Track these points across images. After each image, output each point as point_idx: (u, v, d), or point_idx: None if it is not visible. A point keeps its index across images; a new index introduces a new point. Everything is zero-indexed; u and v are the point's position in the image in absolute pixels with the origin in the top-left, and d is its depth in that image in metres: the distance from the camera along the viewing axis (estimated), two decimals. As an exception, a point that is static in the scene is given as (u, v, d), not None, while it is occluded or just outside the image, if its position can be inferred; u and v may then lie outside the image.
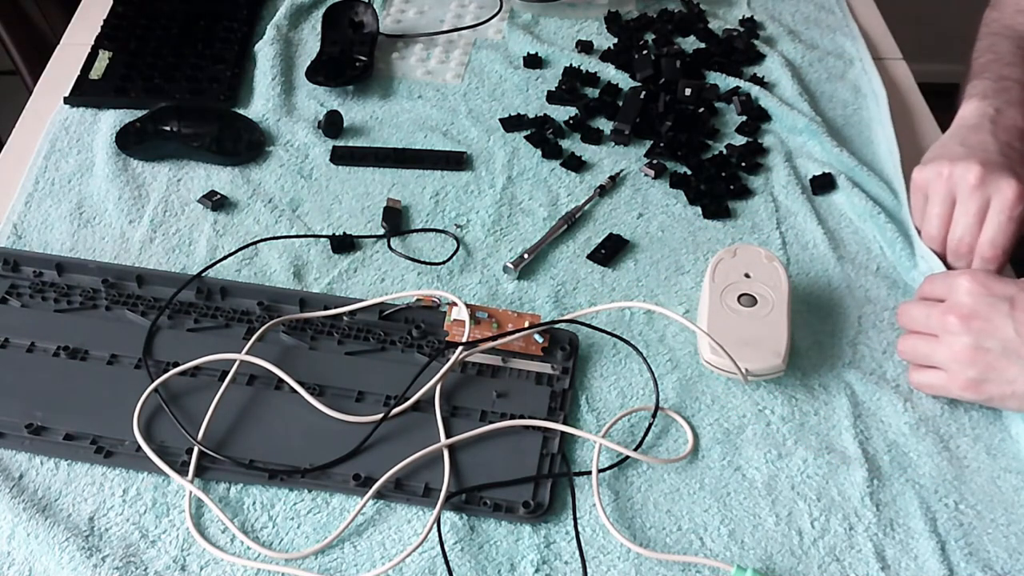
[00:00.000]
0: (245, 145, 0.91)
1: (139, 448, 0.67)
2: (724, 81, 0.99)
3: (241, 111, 0.95)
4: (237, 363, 0.71)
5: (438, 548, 0.63)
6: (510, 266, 0.81)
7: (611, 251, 0.83)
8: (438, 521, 0.64)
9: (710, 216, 0.87)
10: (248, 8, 1.07)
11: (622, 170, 0.91)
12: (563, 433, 0.69)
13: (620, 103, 0.97)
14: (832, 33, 1.08)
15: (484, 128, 0.95)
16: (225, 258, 0.81)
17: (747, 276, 0.76)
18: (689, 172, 0.90)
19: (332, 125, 0.93)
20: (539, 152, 0.92)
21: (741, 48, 1.04)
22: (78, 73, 0.98)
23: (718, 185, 0.89)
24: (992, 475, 0.69)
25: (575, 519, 0.65)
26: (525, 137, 0.94)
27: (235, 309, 0.77)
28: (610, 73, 1.00)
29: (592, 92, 0.99)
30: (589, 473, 0.67)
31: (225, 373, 0.71)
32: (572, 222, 0.85)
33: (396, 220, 0.85)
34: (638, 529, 0.65)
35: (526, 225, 0.85)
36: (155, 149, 0.90)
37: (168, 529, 0.64)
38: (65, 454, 0.67)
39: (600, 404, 0.72)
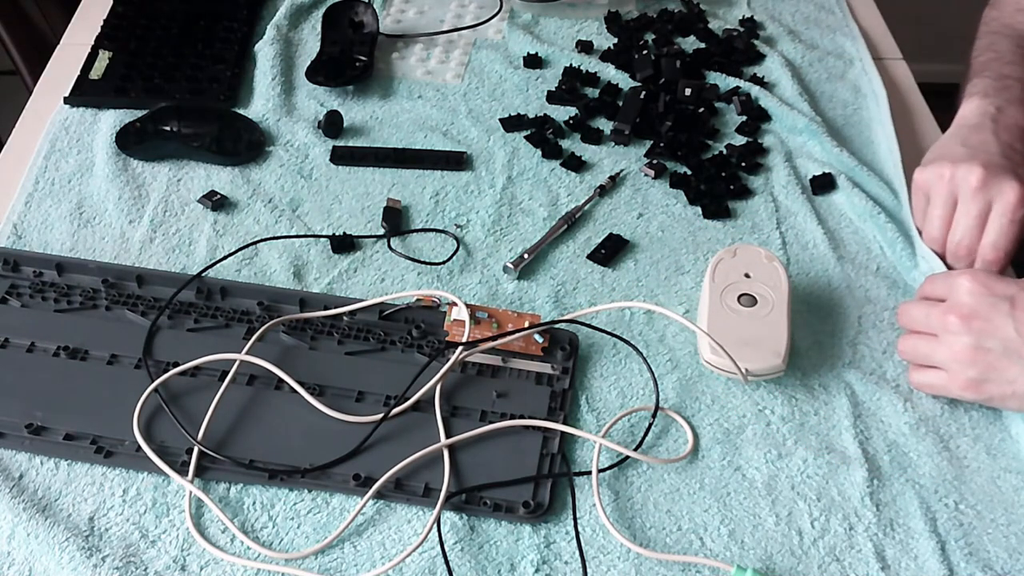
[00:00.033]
0: (245, 145, 0.91)
1: (139, 448, 0.67)
2: (724, 81, 0.99)
3: (241, 111, 0.95)
4: (237, 363, 0.71)
5: (438, 548, 0.63)
6: (510, 266, 0.81)
7: (611, 251, 0.83)
8: (438, 521, 0.64)
9: (710, 216, 0.87)
10: (248, 8, 1.07)
11: (622, 170, 0.91)
12: (563, 433, 0.69)
13: (620, 103, 0.97)
14: (832, 33, 1.08)
15: (484, 128, 0.95)
16: (225, 258, 0.81)
17: (747, 276, 0.76)
18: (689, 172, 0.90)
19: (332, 125, 0.93)
20: (539, 152, 0.92)
21: (741, 48, 1.04)
22: (78, 73, 0.98)
23: (718, 185, 0.89)
24: (992, 475, 0.69)
25: (575, 519, 0.65)
26: (525, 137, 0.94)
27: (235, 309, 0.76)
28: (610, 73, 1.00)
29: (592, 92, 0.99)
30: (589, 473, 0.67)
31: (225, 373, 0.71)
32: (572, 222, 0.85)
33: (396, 220, 0.85)
34: (638, 529, 0.65)
35: (526, 225, 0.85)
36: (155, 149, 0.90)
37: (168, 529, 0.64)
38: (65, 454, 0.67)
39: (600, 404, 0.72)
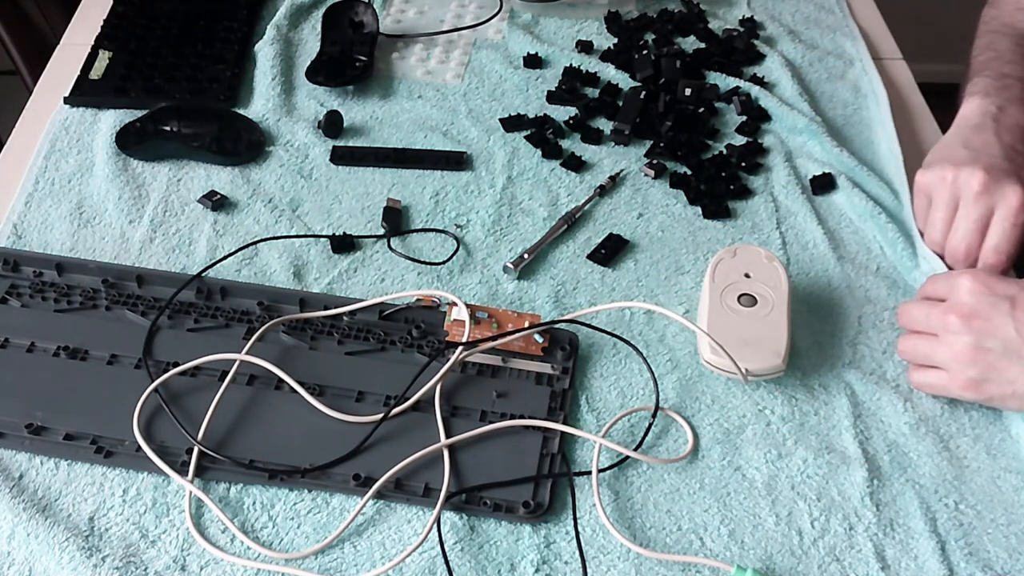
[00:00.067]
0: (245, 145, 0.91)
1: (139, 448, 0.67)
2: (724, 81, 0.99)
3: (241, 111, 0.95)
4: (237, 363, 0.71)
5: (438, 548, 0.63)
6: (510, 266, 0.81)
7: (611, 251, 0.83)
8: (438, 521, 0.64)
9: (710, 216, 0.87)
10: (248, 8, 1.07)
11: (622, 170, 0.91)
12: (563, 433, 0.69)
13: (620, 103, 0.97)
14: (832, 33, 1.08)
15: (484, 128, 0.95)
16: (225, 258, 0.81)
17: (747, 276, 0.76)
18: (689, 172, 0.90)
19: (332, 125, 0.93)
20: (539, 152, 0.92)
21: (741, 48, 1.04)
22: (78, 73, 0.98)
23: (718, 185, 0.89)
24: (992, 475, 0.69)
25: (575, 519, 0.65)
26: (525, 137, 0.94)
27: (235, 309, 0.76)
28: (610, 73, 1.00)
29: (592, 92, 0.99)
30: (589, 473, 0.67)
31: (225, 373, 0.71)
32: (572, 222, 0.85)
33: (396, 220, 0.85)
34: (638, 529, 0.65)
35: (526, 225, 0.85)
36: (155, 149, 0.90)
37: (168, 529, 0.64)
38: (65, 454, 0.67)
39: (600, 404, 0.72)
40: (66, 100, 0.95)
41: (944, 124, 0.86)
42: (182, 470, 0.66)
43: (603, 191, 0.88)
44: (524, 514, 0.65)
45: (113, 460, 0.67)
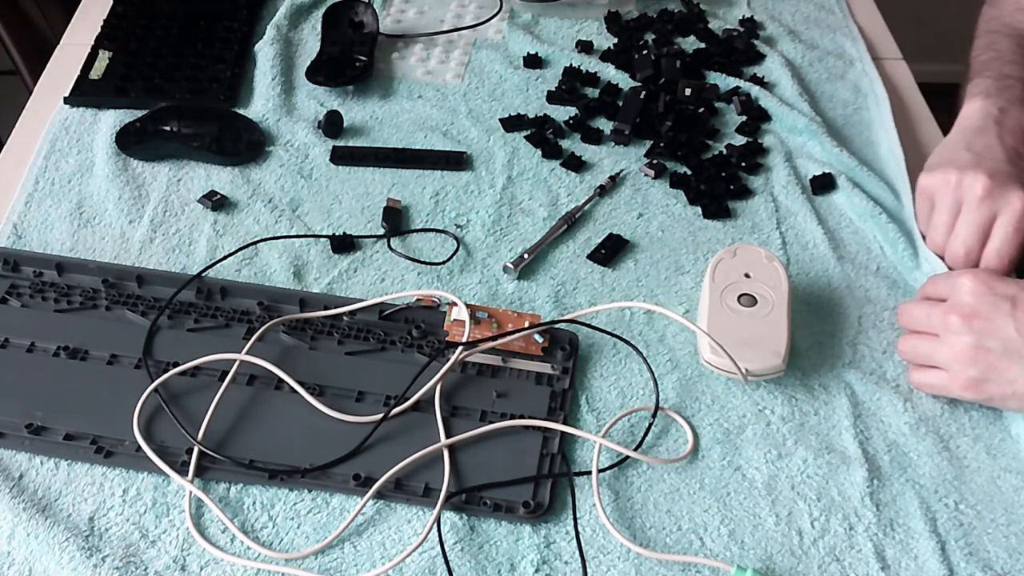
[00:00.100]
0: (245, 145, 0.91)
1: (139, 448, 0.67)
2: (724, 81, 0.99)
3: (241, 111, 0.95)
4: (237, 363, 0.71)
5: (438, 548, 0.63)
6: (510, 266, 0.81)
7: (611, 251, 0.83)
8: (438, 521, 0.64)
9: (710, 216, 0.87)
10: (248, 8, 1.07)
11: (622, 170, 0.91)
12: (563, 433, 0.69)
13: (620, 103, 0.97)
14: (832, 33, 1.08)
15: (484, 128, 0.95)
16: (225, 258, 0.81)
17: (747, 276, 0.76)
18: (689, 172, 0.90)
19: (332, 125, 0.93)
20: (539, 152, 0.92)
21: (741, 48, 1.04)
22: (78, 73, 0.98)
23: (718, 185, 0.89)
24: (992, 475, 0.69)
25: (575, 519, 0.65)
26: (525, 137, 0.94)
27: (235, 309, 0.76)
28: (610, 73, 1.00)
29: (592, 92, 0.99)
30: (589, 473, 0.67)
31: (225, 373, 0.71)
32: (572, 222, 0.85)
33: (396, 220, 0.85)
34: (638, 529, 0.65)
35: (526, 225, 0.85)
36: (155, 149, 0.90)
37: (168, 529, 0.64)
38: (65, 454, 0.67)
39: (600, 404, 0.72)
40: (66, 100, 0.95)
41: (944, 124, 0.86)
42: (182, 470, 0.66)
43: (603, 191, 0.88)
44: (524, 514, 0.65)
45: (113, 460, 0.67)
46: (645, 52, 1.01)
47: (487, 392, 0.72)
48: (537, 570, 0.63)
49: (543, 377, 0.73)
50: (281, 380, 0.71)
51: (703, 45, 1.05)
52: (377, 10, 1.06)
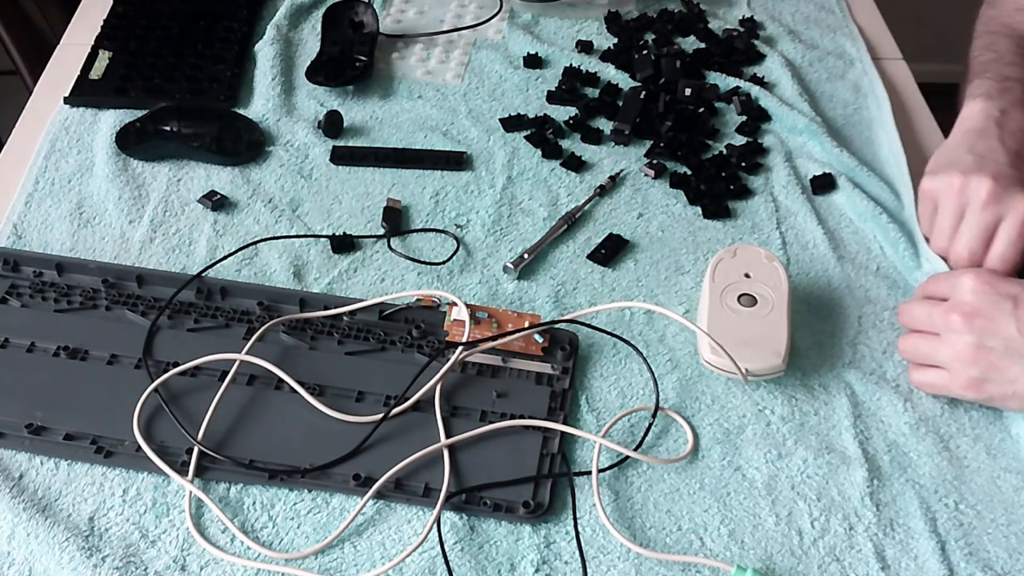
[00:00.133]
0: (245, 145, 0.91)
1: (139, 448, 0.67)
2: (724, 81, 0.99)
3: (241, 111, 0.95)
4: (237, 363, 0.71)
5: (438, 548, 0.63)
6: (510, 266, 0.81)
7: (611, 251, 0.83)
8: (438, 521, 0.64)
9: (710, 216, 0.87)
10: (248, 8, 1.07)
11: (622, 170, 0.91)
12: (563, 433, 0.69)
13: (620, 103, 0.97)
14: (832, 33, 1.08)
15: (484, 128, 0.95)
16: (225, 258, 0.81)
17: (747, 276, 0.76)
18: (689, 172, 0.90)
19: (332, 125, 0.93)
20: (539, 152, 0.92)
21: (741, 48, 1.04)
22: (78, 73, 0.98)
23: (718, 185, 0.89)
24: (992, 475, 0.69)
25: (575, 519, 0.65)
26: (525, 137, 0.94)
27: (235, 309, 0.76)
28: (610, 73, 1.00)
29: (592, 92, 0.99)
30: (589, 473, 0.67)
31: (225, 373, 0.71)
32: (572, 222, 0.85)
33: (396, 220, 0.85)
34: (638, 529, 0.65)
35: (526, 225, 0.85)
36: (155, 149, 0.90)
37: (168, 529, 0.64)
38: (65, 454, 0.67)
39: (600, 404, 0.72)
40: (66, 100, 0.95)
41: (944, 124, 0.86)
42: (182, 470, 0.66)
43: (603, 191, 0.88)
44: (524, 514, 0.65)
45: (113, 460, 0.67)
46: (645, 52, 1.01)
47: (487, 392, 0.72)
48: (537, 570, 0.63)
49: (543, 377, 0.73)
50: (281, 380, 0.71)
51: (703, 45, 1.05)
52: (377, 10, 1.06)
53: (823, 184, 0.89)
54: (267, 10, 1.08)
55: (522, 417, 0.70)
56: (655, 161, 0.91)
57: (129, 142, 0.90)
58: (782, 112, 0.95)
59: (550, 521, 0.65)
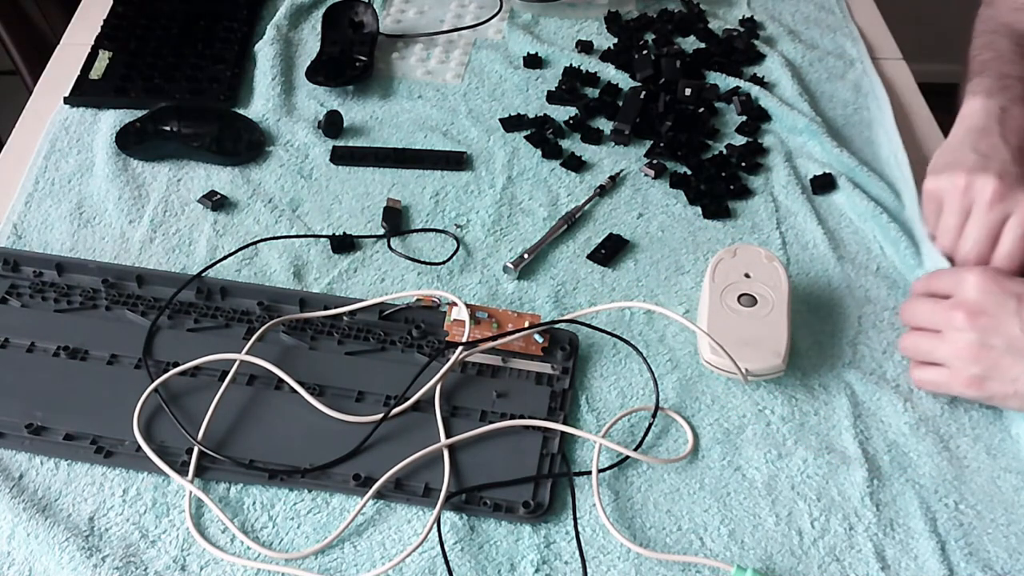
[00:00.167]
0: (245, 145, 0.91)
1: (139, 448, 0.67)
2: (724, 81, 0.99)
3: (241, 111, 0.95)
4: (237, 363, 0.71)
5: (438, 548, 0.63)
6: (510, 266, 0.81)
7: (611, 251, 0.83)
8: (438, 521, 0.64)
9: (710, 216, 0.87)
10: (248, 8, 1.07)
11: (622, 170, 0.91)
12: (563, 433, 0.69)
13: (620, 103, 0.97)
14: (832, 33, 1.08)
15: (484, 128, 0.95)
16: (225, 258, 0.81)
17: (747, 276, 0.76)
18: (689, 172, 0.90)
19: (332, 125, 0.93)
20: (539, 152, 0.92)
21: (741, 48, 1.04)
22: (78, 73, 0.98)
23: (718, 185, 0.89)
24: (992, 475, 0.69)
25: (575, 519, 0.65)
26: (525, 137, 0.94)
27: (235, 309, 0.76)
28: (610, 73, 1.00)
29: (592, 92, 0.99)
30: (589, 473, 0.67)
31: (225, 373, 0.71)
32: (572, 222, 0.85)
33: (396, 220, 0.85)
34: (638, 529, 0.65)
35: (526, 225, 0.85)
36: (155, 149, 0.90)
37: (168, 529, 0.64)
38: (65, 454, 0.67)
39: (600, 404, 0.72)
40: (66, 100, 0.95)
41: (944, 124, 0.86)
42: (182, 470, 0.66)
43: (603, 191, 0.88)
44: (524, 514, 0.65)
45: (113, 460, 0.67)
46: (645, 52, 1.01)
47: (487, 392, 0.72)
48: (537, 570, 0.63)
49: (543, 377, 0.73)
50: (281, 380, 0.71)
51: (703, 45, 1.05)
52: (377, 10, 1.06)
53: (823, 184, 0.89)
54: (267, 10, 1.08)
55: (522, 417, 0.70)
56: (655, 161, 0.91)
57: (129, 142, 0.90)
58: (782, 112, 0.95)
59: (550, 521, 0.65)
